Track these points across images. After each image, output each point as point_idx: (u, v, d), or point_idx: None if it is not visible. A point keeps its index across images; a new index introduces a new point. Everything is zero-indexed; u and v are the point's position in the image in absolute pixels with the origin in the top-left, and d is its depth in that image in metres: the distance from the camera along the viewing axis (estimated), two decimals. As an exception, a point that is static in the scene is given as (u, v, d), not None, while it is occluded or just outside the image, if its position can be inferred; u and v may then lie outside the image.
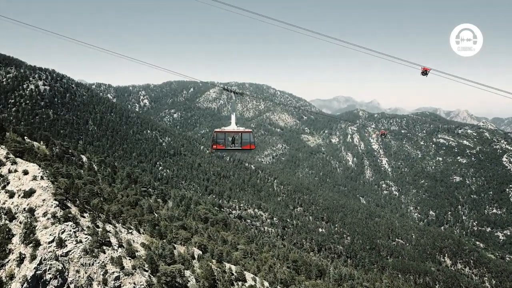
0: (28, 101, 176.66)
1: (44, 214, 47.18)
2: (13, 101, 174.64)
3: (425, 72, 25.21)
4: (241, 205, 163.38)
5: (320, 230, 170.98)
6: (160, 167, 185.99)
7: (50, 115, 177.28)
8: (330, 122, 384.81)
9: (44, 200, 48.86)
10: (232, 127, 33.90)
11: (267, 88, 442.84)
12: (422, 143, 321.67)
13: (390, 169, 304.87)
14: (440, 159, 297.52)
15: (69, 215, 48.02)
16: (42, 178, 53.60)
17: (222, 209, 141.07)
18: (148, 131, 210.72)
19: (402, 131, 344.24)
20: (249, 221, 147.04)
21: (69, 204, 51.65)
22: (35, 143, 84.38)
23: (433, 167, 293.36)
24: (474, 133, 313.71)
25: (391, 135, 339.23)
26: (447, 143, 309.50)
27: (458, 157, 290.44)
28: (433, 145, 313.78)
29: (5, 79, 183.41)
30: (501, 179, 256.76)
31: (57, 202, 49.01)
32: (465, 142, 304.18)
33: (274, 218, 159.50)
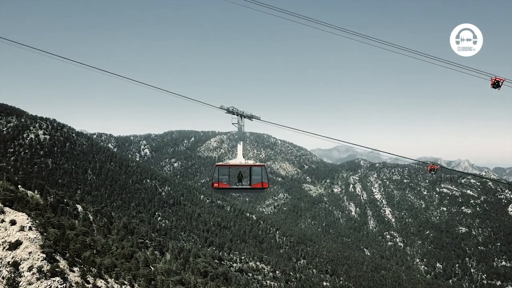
0: (27, 150, 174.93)
1: (30, 269, 43.51)
2: (12, 150, 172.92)
3: (497, 84, 21.78)
4: (242, 257, 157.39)
5: (324, 283, 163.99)
6: (159, 218, 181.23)
7: (49, 164, 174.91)
8: (331, 171, 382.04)
9: (30, 253, 45.31)
10: (239, 159, 27.63)
11: (267, 137, 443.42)
12: (425, 192, 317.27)
13: (393, 220, 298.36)
14: (445, 209, 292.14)
15: (57, 269, 44.33)
16: (30, 228, 50.19)
17: (222, 262, 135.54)
18: (148, 180, 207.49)
19: (405, 181, 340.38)
20: (250, 274, 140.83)
21: (57, 257, 47.97)
22: (29, 192, 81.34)
23: (437, 218, 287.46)
24: (477, 183, 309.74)
25: (393, 184, 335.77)
26: (450, 193, 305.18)
27: (463, 207, 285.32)
28: (437, 195, 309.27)
29: (5, 128, 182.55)
30: (508, 230, 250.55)
31: (44, 255, 45.43)
32: (469, 192, 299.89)
33: (277, 272, 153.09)
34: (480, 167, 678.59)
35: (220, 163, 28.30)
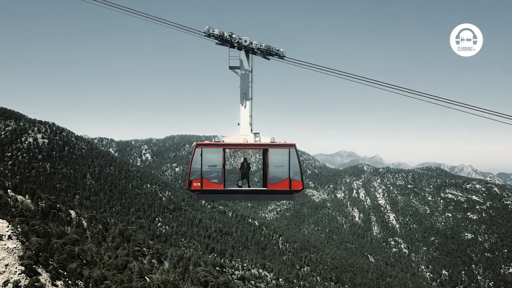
0: (25, 154, 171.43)
1: (5, 284, 39.38)
2: (10, 154, 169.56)
3: None
4: (245, 264, 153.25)
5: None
6: (159, 223, 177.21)
7: (47, 168, 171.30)
8: (334, 176, 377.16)
9: (7, 265, 41.22)
10: (243, 134, 15.29)
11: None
12: (429, 198, 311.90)
13: (398, 226, 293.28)
14: (450, 215, 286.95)
15: (36, 284, 40.23)
16: (10, 237, 46.07)
17: (224, 270, 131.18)
18: (148, 185, 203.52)
19: (409, 186, 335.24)
20: (253, 282, 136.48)
21: (39, 270, 43.86)
22: (20, 197, 77.38)
23: (442, 224, 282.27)
24: (482, 188, 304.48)
25: (397, 190, 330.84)
26: (455, 198, 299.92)
27: (468, 213, 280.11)
28: (441, 201, 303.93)
29: (3, 132, 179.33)
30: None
31: (23, 268, 41.31)
32: (474, 197, 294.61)
33: (280, 279, 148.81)
34: (483, 172, 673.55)
35: (206, 142, 15.82)
